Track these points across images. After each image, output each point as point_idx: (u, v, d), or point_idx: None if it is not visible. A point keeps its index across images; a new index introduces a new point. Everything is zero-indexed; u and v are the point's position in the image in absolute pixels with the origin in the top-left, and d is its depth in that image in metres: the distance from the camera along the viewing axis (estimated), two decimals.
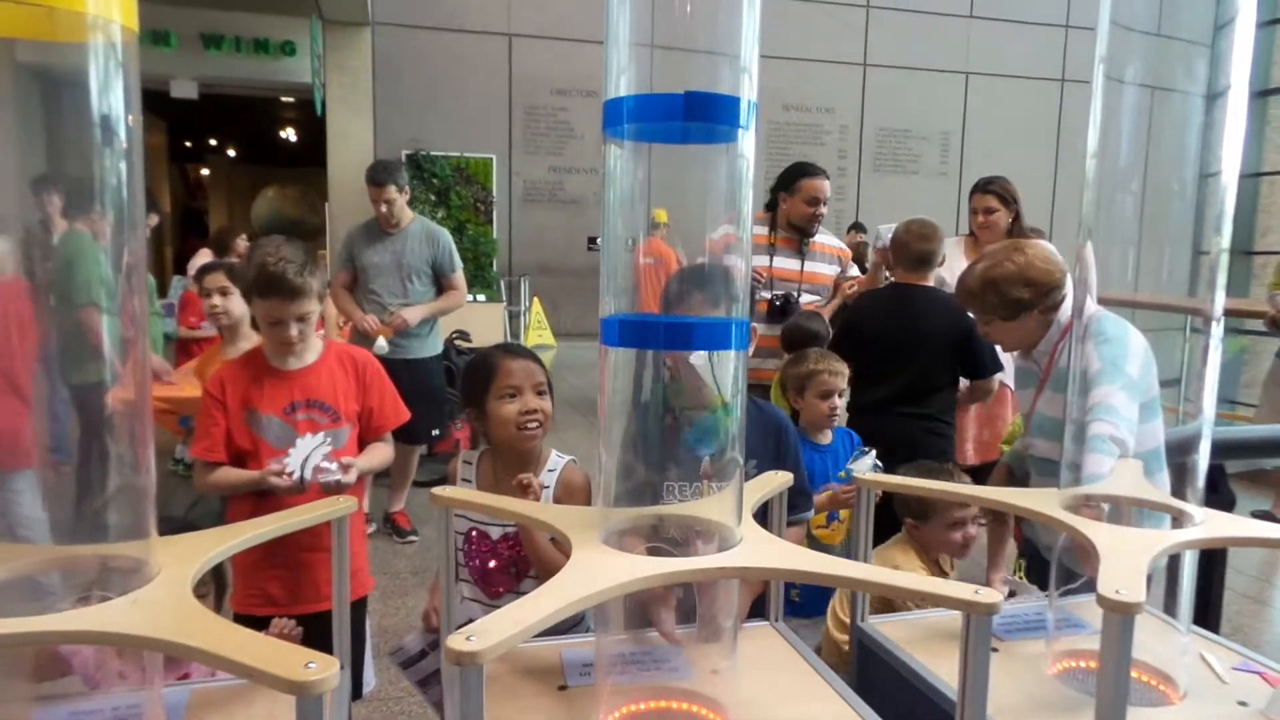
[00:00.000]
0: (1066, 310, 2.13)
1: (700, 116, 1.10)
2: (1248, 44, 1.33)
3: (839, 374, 2.65)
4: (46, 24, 0.93)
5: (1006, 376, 3.14)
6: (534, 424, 1.74)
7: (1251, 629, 3.50)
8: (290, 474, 1.84)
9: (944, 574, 2.39)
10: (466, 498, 1.40)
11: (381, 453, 2.12)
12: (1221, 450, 1.85)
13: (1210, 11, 1.39)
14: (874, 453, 2.54)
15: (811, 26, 10.43)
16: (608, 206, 1.16)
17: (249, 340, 2.99)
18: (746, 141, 1.15)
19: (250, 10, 9.96)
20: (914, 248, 3.07)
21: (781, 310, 3.42)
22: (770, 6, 1.08)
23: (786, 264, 3.46)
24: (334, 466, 1.85)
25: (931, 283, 3.15)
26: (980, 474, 3.00)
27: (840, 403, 2.66)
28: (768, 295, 3.42)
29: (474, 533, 1.75)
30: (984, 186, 3.51)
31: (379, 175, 4.08)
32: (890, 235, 3.32)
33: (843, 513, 2.59)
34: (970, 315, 2.97)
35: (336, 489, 1.82)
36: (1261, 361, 7.64)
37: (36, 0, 0.89)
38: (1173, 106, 1.44)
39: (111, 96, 0.96)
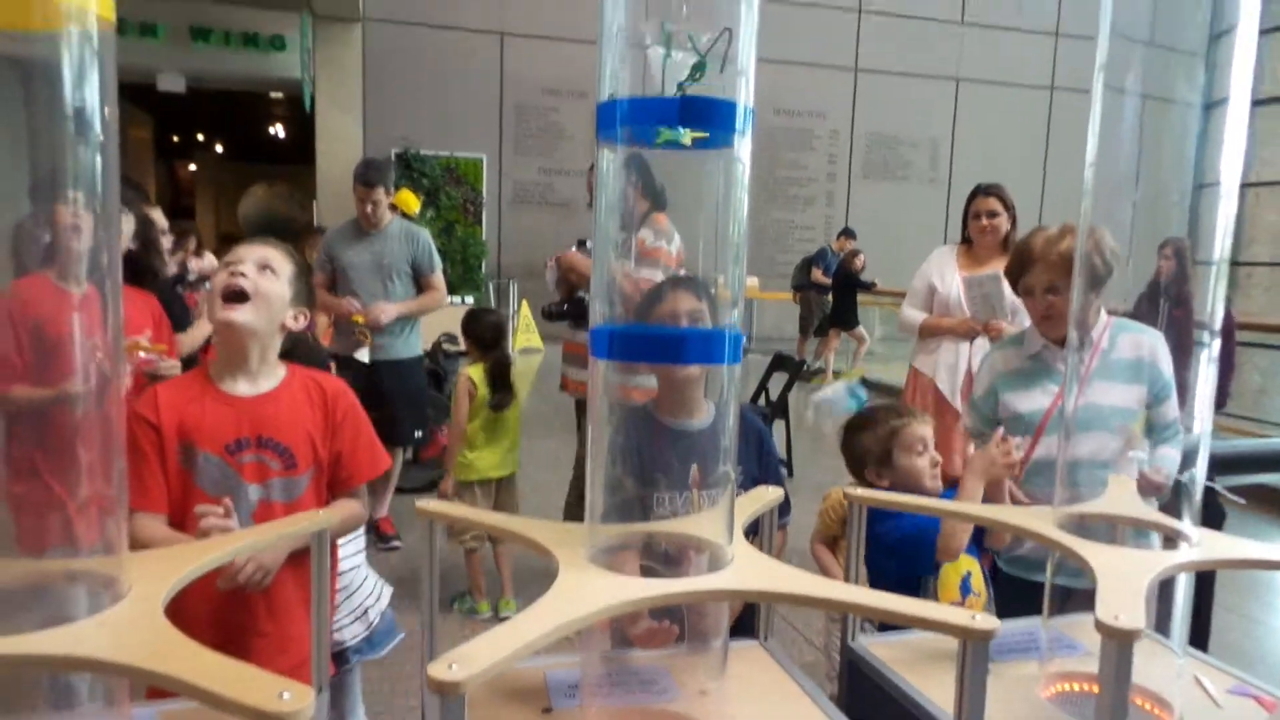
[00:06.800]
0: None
1: (696, 121, 1.06)
2: (1250, 52, 1.31)
3: (922, 419, 2.13)
4: (20, 12, 0.90)
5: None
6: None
7: (1241, 646, 3.48)
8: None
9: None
10: (449, 511, 1.36)
11: (341, 511, 1.64)
12: (1214, 465, 1.82)
13: (1208, 20, 1.37)
14: None
15: (803, 30, 10.43)
16: (599, 210, 1.13)
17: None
18: (743, 147, 1.12)
19: (240, 3, 9.90)
20: None
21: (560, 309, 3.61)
22: (763, 9, 1.05)
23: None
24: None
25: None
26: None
27: (935, 455, 2.11)
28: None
29: None
30: (987, 190, 3.40)
31: (371, 176, 4.02)
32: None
33: (976, 583, 2.09)
34: None
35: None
36: (1242, 374, 7.68)
37: None
38: (1172, 116, 1.43)
39: (87, 88, 0.93)
